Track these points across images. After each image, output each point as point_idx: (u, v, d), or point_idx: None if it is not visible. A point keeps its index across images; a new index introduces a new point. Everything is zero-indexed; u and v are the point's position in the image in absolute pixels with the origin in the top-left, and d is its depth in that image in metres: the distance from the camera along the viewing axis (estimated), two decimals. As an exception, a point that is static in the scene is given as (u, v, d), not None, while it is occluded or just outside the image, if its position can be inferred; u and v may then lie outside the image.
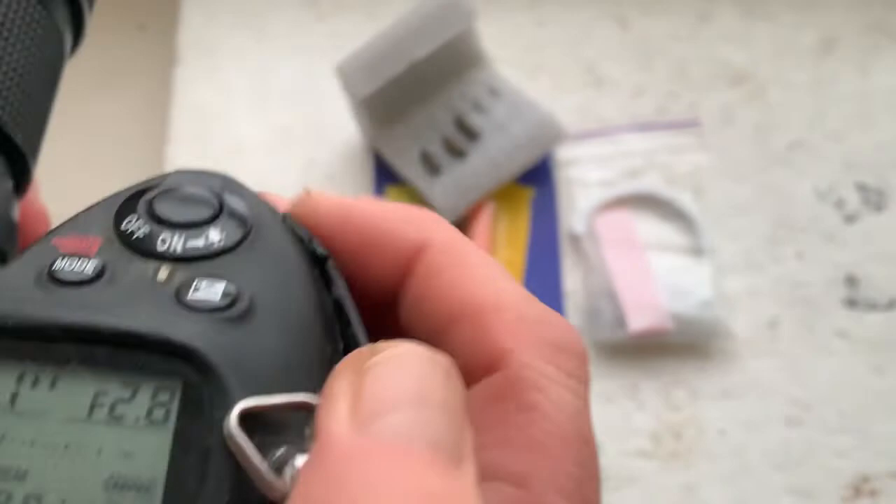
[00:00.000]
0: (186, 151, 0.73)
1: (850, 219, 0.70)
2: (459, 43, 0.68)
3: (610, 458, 0.64)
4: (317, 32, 0.77)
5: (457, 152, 0.70)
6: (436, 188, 0.69)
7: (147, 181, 0.25)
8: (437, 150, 0.70)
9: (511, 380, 0.23)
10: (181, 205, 0.23)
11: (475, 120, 0.70)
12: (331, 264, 0.25)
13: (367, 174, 0.72)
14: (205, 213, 0.23)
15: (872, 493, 0.62)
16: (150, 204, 0.23)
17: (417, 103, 0.70)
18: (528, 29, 0.77)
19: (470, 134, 0.70)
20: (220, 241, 0.23)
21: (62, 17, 0.26)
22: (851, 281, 0.68)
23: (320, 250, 0.25)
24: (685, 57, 0.75)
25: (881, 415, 0.64)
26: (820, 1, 0.76)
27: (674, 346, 0.66)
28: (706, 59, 0.75)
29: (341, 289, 0.24)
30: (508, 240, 0.70)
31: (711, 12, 0.76)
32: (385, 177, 0.72)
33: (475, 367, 0.24)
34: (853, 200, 0.70)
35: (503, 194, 0.70)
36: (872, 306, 0.67)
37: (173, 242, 0.23)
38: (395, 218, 0.26)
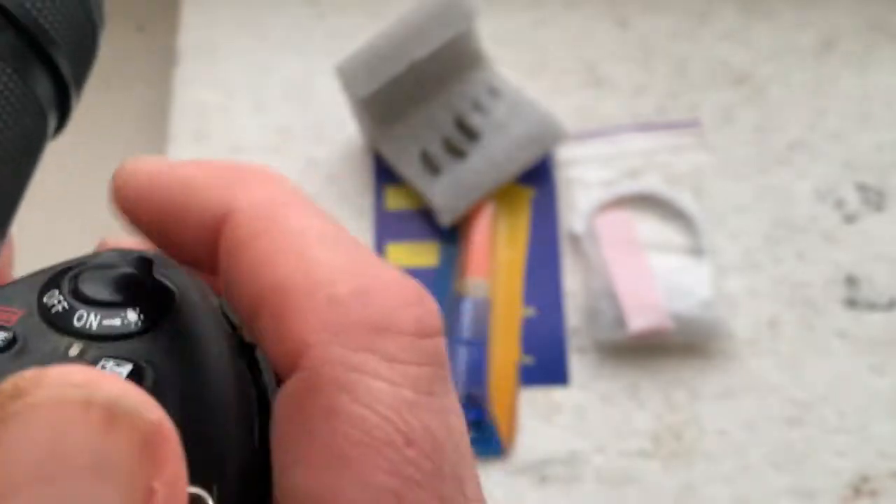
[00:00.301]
0: (186, 151, 0.73)
1: (850, 219, 0.70)
2: (459, 43, 0.68)
3: (610, 458, 0.64)
4: (317, 32, 0.77)
5: (457, 152, 0.70)
6: (436, 188, 0.69)
7: (79, 257, 0.24)
8: (437, 150, 0.70)
9: (312, 382, 0.19)
10: (104, 283, 0.22)
11: (475, 120, 0.70)
12: (259, 353, 0.23)
13: (367, 174, 0.72)
14: (125, 293, 0.22)
15: (872, 493, 0.62)
16: (75, 280, 0.23)
17: (417, 103, 0.70)
18: (528, 29, 0.77)
19: (470, 134, 0.70)
20: (136, 322, 0.22)
21: (45, 93, 0.24)
22: (851, 281, 0.68)
23: (249, 338, 0.23)
24: (685, 57, 0.75)
25: (881, 415, 0.64)
26: (820, 1, 0.76)
27: (674, 346, 0.66)
28: (706, 59, 0.75)
29: (269, 381, 0.22)
30: (508, 240, 0.70)
31: (711, 12, 0.76)
32: (385, 177, 0.72)
33: (281, 368, 0.20)
34: (853, 200, 0.70)
35: (503, 194, 0.70)
36: (872, 306, 0.67)
37: (89, 320, 0.22)
38: (199, 180, 0.22)
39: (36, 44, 0.24)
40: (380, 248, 0.70)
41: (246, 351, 0.23)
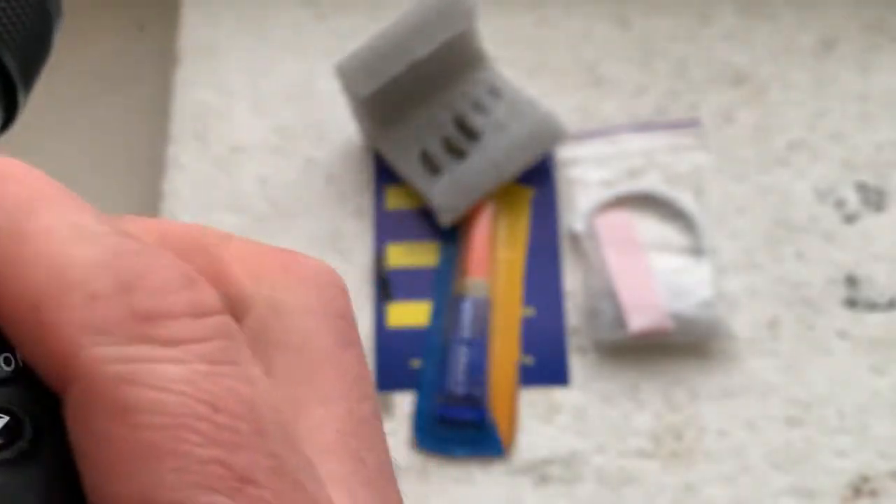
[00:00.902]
0: (187, 151, 0.73)
1: (850, 219, 0.70)
2: (459, 43, 0.68)
3: (610, 458, 0.64)
4: (317, 32, 0.77)
5: (457, 152, 0.70)
6: (436, 188, 0.69)
7: None
8: (437, 150, 0.70)
9: (91, 387, 0.17)
10: None
11: (475, 120, 0.70)
12: None
13: (367, 174, 0.72)
14: None
15: (872, 493, 0.62)
16: None
17: (417, 103, 0.70)
18: (528, 29, 0.77)
19: (470, 134, 0.70)
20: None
21: None
22: (851, 281, 0.68)
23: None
24: (685, 57, 0.75)
25: (881, 415, 0.64)
26: (820, 1, 0.76)
27: (674, 346, 0.66)
28: (706, 59, 0.75)
29: None
30: (508, 240, 0.70)
31: (711, 12, 0.76)
32: (385, 177, 0.72)
33: (59, 386, 0.18)
34: (853, 200, 0.70)
35: (503, 194, 0.70)
36: (872, 306, 0.67)
37: None
38: None
39: None
40: (380, 248, 0.70)
41: None
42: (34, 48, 0.24)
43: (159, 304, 0.18)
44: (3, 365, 0.19)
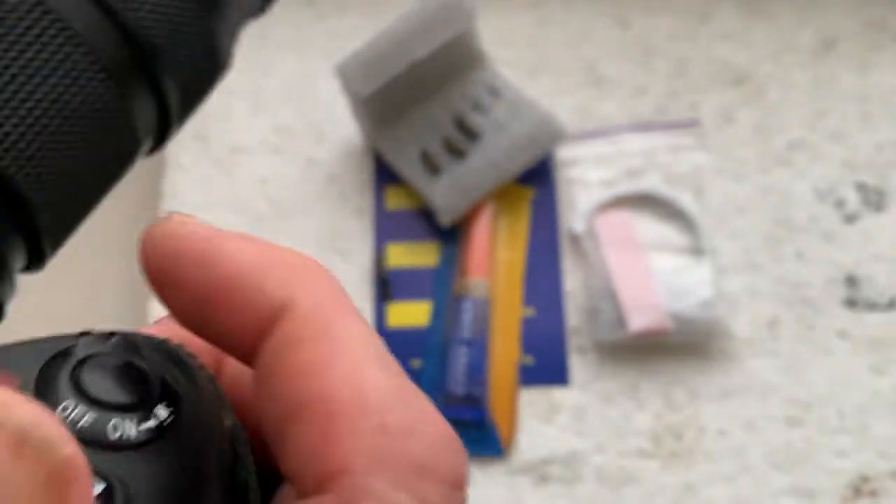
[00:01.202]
0: (187, 151, 0.73)
1: (850, 219, 0.70)
2: (459, 43, 0.68)
3: (610, 458, 0.64)
4: (317, 32, 0.77)
5: (457, 152, 0.70)
6: (436, 188, 0.69)
7: (77, 334, 0.21)
8: (437, 150, 0.70)
9: None
10: (112, 379, 0.20)
11: (475, 120, 0.70)
12: (252, 496, 0.21)
13: (367, 174, 0.72)
14: (133, 393, 0.20)
15: (872, 493, 0.62)
16: (78, 372, 0.20)
17: (417, 103, 0.70)
18: (528, 29, 0.77)
19: (470, 134, 0.70)
20: (136, 434, 0.19)
21: (143, 116, 0.23)
22: (851, 281, 0.68)
23: (244, 475, 0.21)
24: (685, 57, 0.75)
25: (881, 415, 0.64)
26: (820, 1, 0.76)
27: (674, 346, 0.66)
28: (706, 59, 0.75)
29: (248, 473, 0.21)
30: (508, 240, 0.70)
31: (711, 12, 0.76)
32: (385, 177, 0.72)
33: (309, 482, 0.19)
34: (853, 200, 0.70)
35: (503, 194, 0.70)
36: (872, 306, 0.67)
37: (118, 429, 0.19)
38: (258, 266, 0.21)
39: (146, 66, 0.22)
40: (380, 248, 0.70)
41: (240, 492, 0.21)
42: (195, 89, 0.25)
43: (432, 460, 0.19)
44: (130, 433, 0.19)
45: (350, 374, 0.19)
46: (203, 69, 0.25)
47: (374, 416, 0.19)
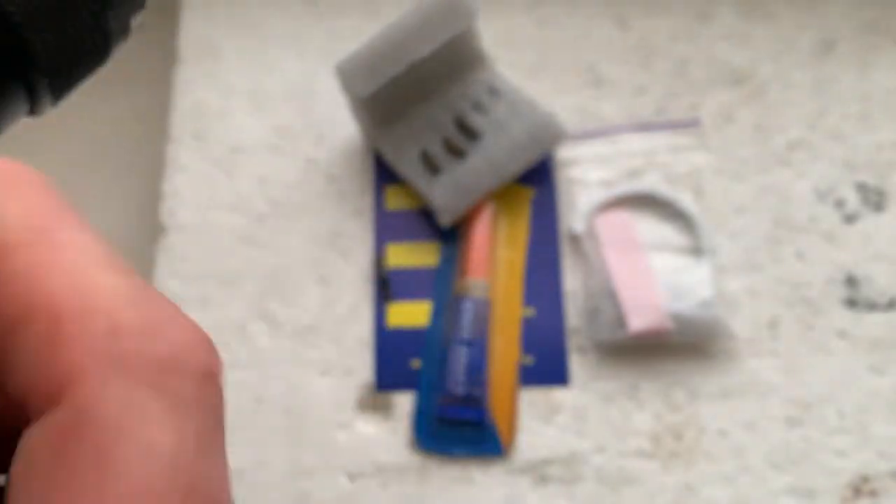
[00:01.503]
0: (187, 151, 0.73)
1: (850, 219, 0.70)
2: (459, 43, 0.68)
3: (610, 458, 0.64)
4: (317, 32, 0.77)
5: (457, 152, 0.70)
6: (436, 188, 0.69)
7: None
8: (437, 150, 0.70)
9: (80, 418, 0.16)
10: None
11: (475, 120, 0.70)
12: None
13: (367, 174, 0.72)
14: None
15: (872, 493, 0.62)
16: None
17: (417, 103, 0.70)
18: (528, 29, 0.77)
19: (470, 134, 0.70)
20: None
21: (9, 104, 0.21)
22: (851, 281, 0.68)
23: None
24: (685, 57, 0.75)
25: (881, 415, 0.64)
26: (820, 1, 0.76)
27: (674, 346, 0.66)
28: (706, 59, 0.75)
29: None
30: (508, 240, 0.70)
31: (711, 12, 0.76)
32: (385, 177, 0.72)
33: (38, 397, 0.17)
34: (853, 200, 0.70)
35: (503, 194, 0.70)
36: (872, 306, 0.67)
37: None
38: None
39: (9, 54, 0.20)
40: (380, 248, 0.70)
41: None
42: (77, 67, 0.23)
43: (179, 356, 0.18)
44: None
45: (73, 275, 0.18)
46: (87, 42, 0.23)
47: (103, 317, 0.17)
